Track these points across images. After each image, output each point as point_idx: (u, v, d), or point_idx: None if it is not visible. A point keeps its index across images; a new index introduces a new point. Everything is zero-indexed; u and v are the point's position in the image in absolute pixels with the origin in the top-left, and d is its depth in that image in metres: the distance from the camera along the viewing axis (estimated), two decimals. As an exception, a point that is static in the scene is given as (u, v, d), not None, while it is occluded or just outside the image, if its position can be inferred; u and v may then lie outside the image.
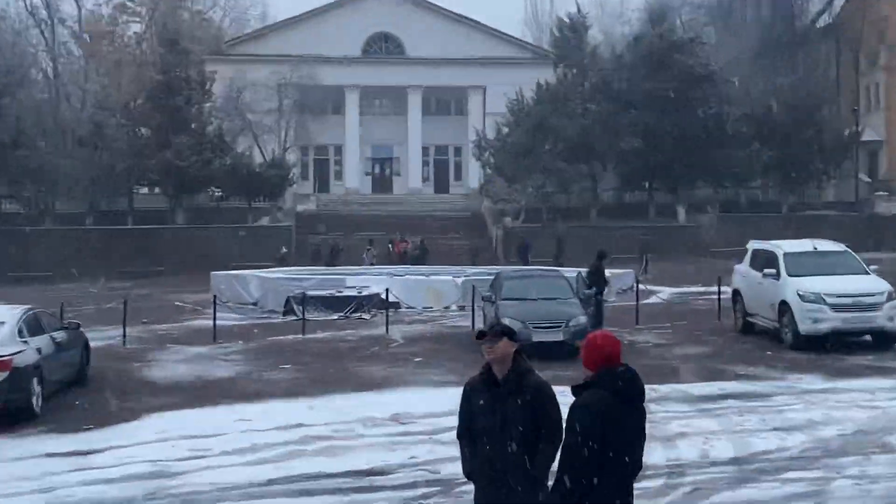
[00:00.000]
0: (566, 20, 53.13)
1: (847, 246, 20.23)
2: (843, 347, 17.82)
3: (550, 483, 5.18)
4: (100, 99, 50.79)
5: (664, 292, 29.77)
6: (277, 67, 57.01)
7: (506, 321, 16.69)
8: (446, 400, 12.91)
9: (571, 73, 52.28)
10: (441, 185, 66.12)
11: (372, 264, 41.49)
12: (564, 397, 5.43)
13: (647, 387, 5.24)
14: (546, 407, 5.44)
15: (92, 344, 17.20)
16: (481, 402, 5.60)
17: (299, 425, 12.36)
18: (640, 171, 51.27)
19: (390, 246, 45.30)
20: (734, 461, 10.29)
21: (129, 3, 63.92)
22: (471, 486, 5.75)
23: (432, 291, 27.93)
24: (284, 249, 45.39)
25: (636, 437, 5.12)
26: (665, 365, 16.79)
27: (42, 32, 56.88)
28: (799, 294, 18.13)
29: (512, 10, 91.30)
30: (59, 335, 15.06)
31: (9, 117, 48.04)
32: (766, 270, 19.22)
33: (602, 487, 4.96)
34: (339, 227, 51.48)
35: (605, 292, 22.04)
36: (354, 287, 27.79)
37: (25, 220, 49.37)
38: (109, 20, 63.06)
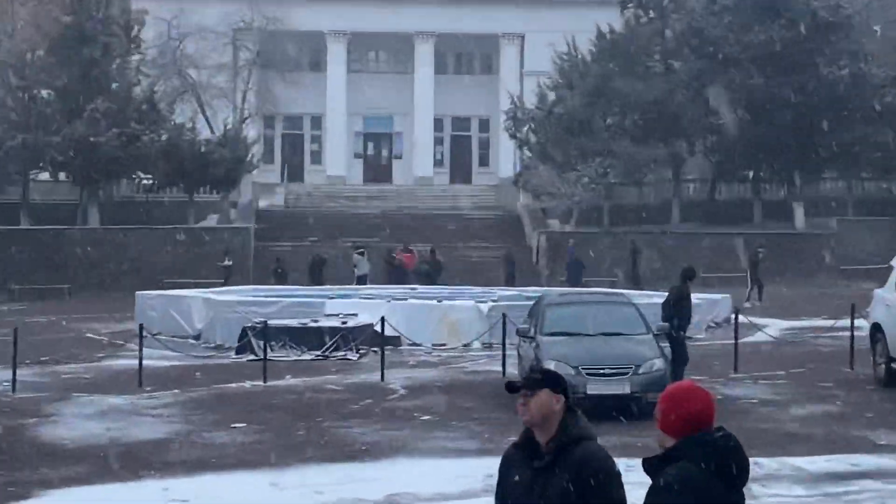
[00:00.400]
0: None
1: None
2: None
3: None
4: (-16, 49, 51.09)
5: (773, 326, 29.59)
6: (233, 6, 57.26)
7: (549, 365, 16.63)
8: (464, 476, 12.86)
9: (647, 18, 52.21)
10: (461, 173, 66.26)
11: (361, 279, 41.44)
12: (635, 475, 5.38)
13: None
14: (601, 489, 5.36)
15: (-32, 391, 17.23)
16: (516, 478, 5.55)
17: (257, 509, 12.33)
18: (741, 156, 51.15)
19: (395, 258, 44.86)
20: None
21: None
22: None
23: (447, 322, 27.88)
24: (228, 261, 45.01)
25: (736, 533, 5.08)
26: (774, 430, 16.68)
27: None
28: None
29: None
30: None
31: None
32: (920, 297, 19.08)
33: None
34: (316, 231, 51.57)
35: (689, 326, 21.91)
36: (337, 315, 27.76)
37: None
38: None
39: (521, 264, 46.76)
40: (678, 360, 20.00)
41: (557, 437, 5.44)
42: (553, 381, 5.55)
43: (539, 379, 5.56)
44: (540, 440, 5.49)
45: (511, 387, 5.63)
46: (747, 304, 33.68)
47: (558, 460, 5.40)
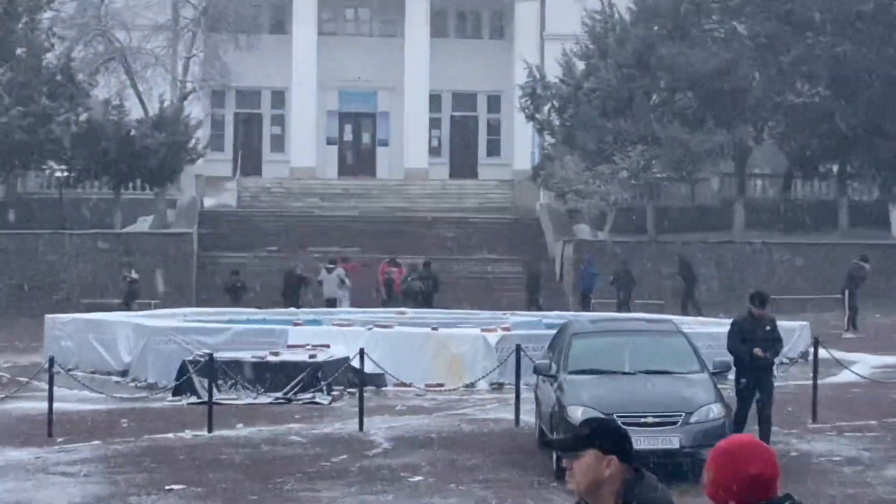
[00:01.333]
0: None
1: None
2: None
3: None
4: None
5: (863, 363, 29.60)
6: (173, -51, 57.40)
7: (574, 412, 16.61)
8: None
9: (701, -31, 52.39)
10: (464, 165, 66.29)
11: (331, 301, 41.46)
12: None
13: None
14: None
15: None
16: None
17: None
18: (823, 145, 51.18)
19: (418, 273, 44.41)
20: None
21: None
22: None
23: (445, 356, 27.89)
24: (132, 274, 44.53)
25: None
26: (863, 496, 16.71)
27: None
28: None
29: None
30: None
31: None
32: None
33: None
34: (277, 238, 51.58)
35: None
36: (303, 346, 27.75)
37: None
38: None
39: (540, 281, 46.80)
40: (763, 408, 19.73)
41: (615, 509, 5.42)
42: (603, 439, 5.49)
43: (583, 436, 5.51)
44: (596, 510, 5.48)
45: (547, 444, 5.65)
46: (848, 335, 33.73)
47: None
